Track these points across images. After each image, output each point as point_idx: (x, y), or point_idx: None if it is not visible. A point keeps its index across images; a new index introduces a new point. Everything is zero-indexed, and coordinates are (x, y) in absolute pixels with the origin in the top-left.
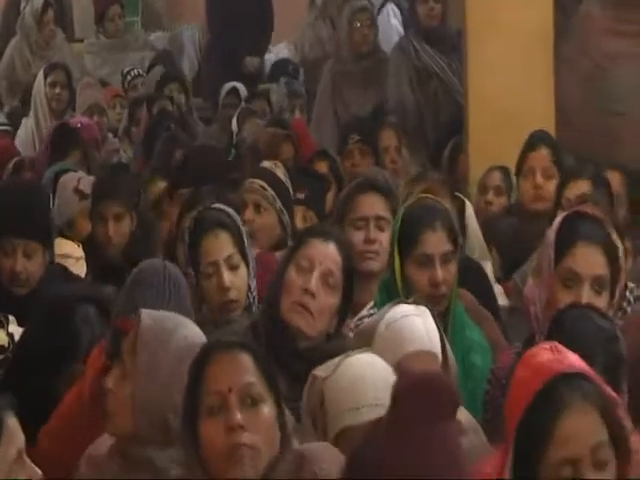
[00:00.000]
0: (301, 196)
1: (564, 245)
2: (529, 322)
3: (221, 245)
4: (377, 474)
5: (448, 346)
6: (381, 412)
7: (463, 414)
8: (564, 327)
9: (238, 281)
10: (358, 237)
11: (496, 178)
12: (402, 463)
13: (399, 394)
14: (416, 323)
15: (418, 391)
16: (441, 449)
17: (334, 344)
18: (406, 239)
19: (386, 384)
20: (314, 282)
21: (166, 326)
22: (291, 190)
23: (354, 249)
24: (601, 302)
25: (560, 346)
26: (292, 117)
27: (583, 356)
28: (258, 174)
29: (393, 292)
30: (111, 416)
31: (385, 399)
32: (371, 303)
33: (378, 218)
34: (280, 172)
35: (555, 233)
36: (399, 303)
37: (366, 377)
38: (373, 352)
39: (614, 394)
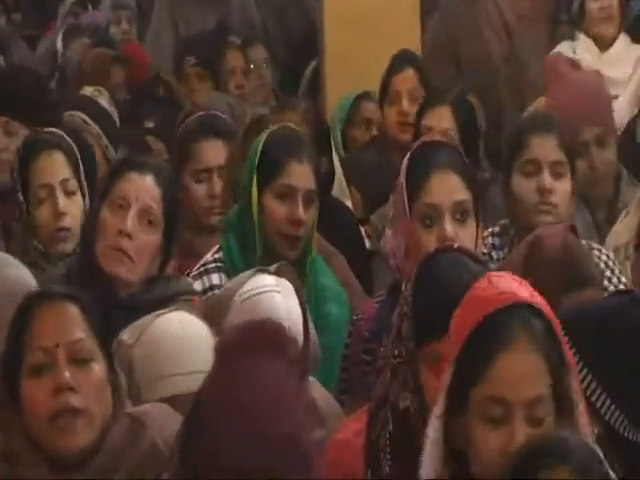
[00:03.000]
0: (150, 124)
1: (416, 181)
2: (391, 272)
3: (56, 167)
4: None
5: (311, 325)
6: (200, 380)
7: (320, 392)
8: (431, 277)
9: (74, 209)
10: (201, 191)
11: (366, 109)
12: (223, 398)
13: (225, 342)
14: (276, 300)
15: (247, 333)
16: (269, 386)
17: (159, 289)
18: (267, 168)
19: (203, 347)
20: (130, 221)
21: None
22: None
23: (198, 204)
24: (467, 233)
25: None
26: (119, 30)
27: (454, 307)
28: (79, 104)
29: (245, 229)
30: None
31: (203, 365)
32: (216, 247)
33: (221, 168)
34: (104, 100)
35: (405, 171)
36: (259, 272)
37: (178, 341)
38: (226, 328)
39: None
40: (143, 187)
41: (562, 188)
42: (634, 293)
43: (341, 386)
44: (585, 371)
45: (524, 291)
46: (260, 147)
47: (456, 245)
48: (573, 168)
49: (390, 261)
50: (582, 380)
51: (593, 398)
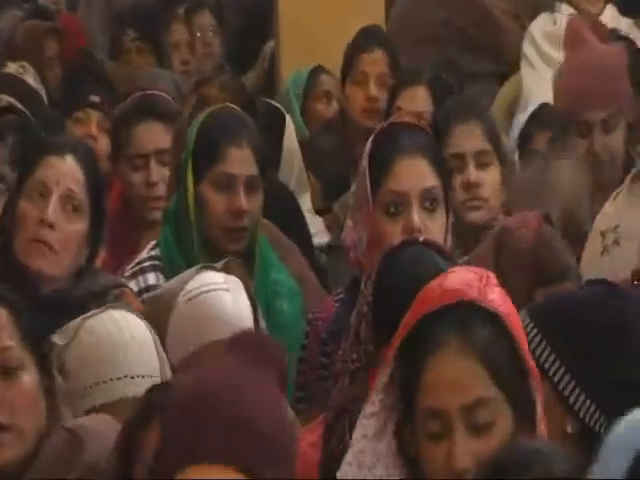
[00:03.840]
0: (95, 99)
1: (381, 165)
2: (351, 268)
3: None
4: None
5: (262, 325)
6: (139, 386)
7: None
8: (393, 274)
9: None
10: (137, 179)
11: (325, 82)
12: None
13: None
14: (224, 299)
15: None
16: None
17: (87, 284)
18: (203, 155)
19: (143, 348)
20: (52, 209)
21: None
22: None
23: (138, 193)
24: (436, 224)
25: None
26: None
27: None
28: (3, 85)
29: (182, 222)
30: None
31: (144, 367)
32: (153, 242)
33: (160, 152)
34: (30, 77)
35: (369, 154)
36: (205, 269)
37: (112, 343)
38: (169, 331)
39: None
40: (63, 170)
41: (490, 179)
42: (610, 284)
43: (297, 393)
44: (559, 366)
45: (473, 289)
46: (195, 131)
47: (422, 238)
48: (500, 154)
49: (350, 255)
50: (554, 374)
51: (566, 393)
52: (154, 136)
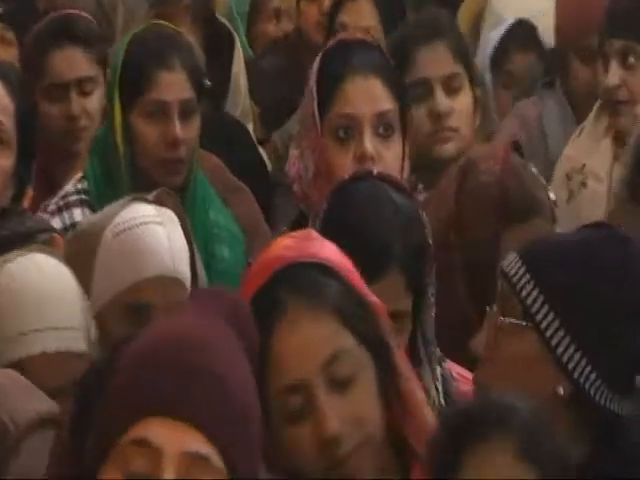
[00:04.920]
0: None
1: (329, 86)
2: (296, 202)
3: None
4: None
5: (200, 264)
6: (63, 339)
7: None
8: (344, 212)
9: None
10: (55, 111)
11: None
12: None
13: None
14: (157, 232)
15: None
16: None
17: (13, 226)
18: (130, 81)
19: (66, 297)
20: None
21: None
22: None
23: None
24: (391, 153)
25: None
26: None
27: (374, 248)
28: None
29: (111, 154)
30: None
31: (66, 320)
32: (79, 175)
33: (81, 81)
34: None
35: (316, 75)
36: (135, 200)
37: (34, 291)
38: (96, 269)
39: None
40: None
41: (460, 105)
42: (609, 228)
43: None
44: (552, 318)
45: (292, 250)
46: (122, 55)
47: (377, 171)
48: (472, 75)
49: (295, 188)
50: (547, 327)
51: (560, 350)
52: (73, 63)
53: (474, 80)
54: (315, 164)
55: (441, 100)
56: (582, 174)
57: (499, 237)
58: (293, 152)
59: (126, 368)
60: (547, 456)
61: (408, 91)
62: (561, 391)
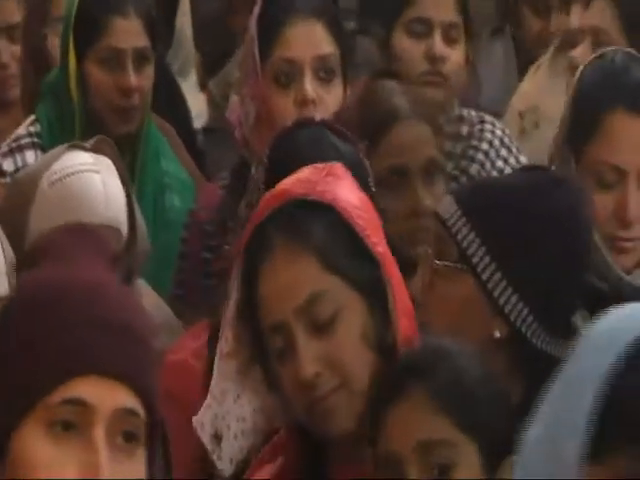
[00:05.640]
0: None
1: (270, 30)
2: (238, 149)
3: None
4: None
5: (138, 214)
6: None
7: (151, 299)
8: (287, 159)
9: None
10: None
11: None
12: None
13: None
14: (94, 181)
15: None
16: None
17: None
18: (85, 27)
19: None
20: None
21: None
22: None
23: None
24: (332, 96)
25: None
26: None
27: None
28: None
29: (64, 100)
30: None
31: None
32: (31, 117)
33: (9, 28)
34: None
35: (257, 19)
36: (72, 148)
37: None
38: (32, 216)
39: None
40: None
41: (455, 56)
42: (547, 171)
43: (176, 291)
44: (488, 261)
45: (302, 184)
46: (77, 1)
47: (320, 118)
48: (469, 31)
49: (236, 134)
50: (484, 270)
51: (496, 293)
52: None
53: (470, 35)
54: (256, 110)
55: (439, 44)
56: (535, 114)
57: (371, 152)
58: (233, 98)
59: (34, 325)
60: (480, 403)
61: (408, 26)
62: (497, 334)
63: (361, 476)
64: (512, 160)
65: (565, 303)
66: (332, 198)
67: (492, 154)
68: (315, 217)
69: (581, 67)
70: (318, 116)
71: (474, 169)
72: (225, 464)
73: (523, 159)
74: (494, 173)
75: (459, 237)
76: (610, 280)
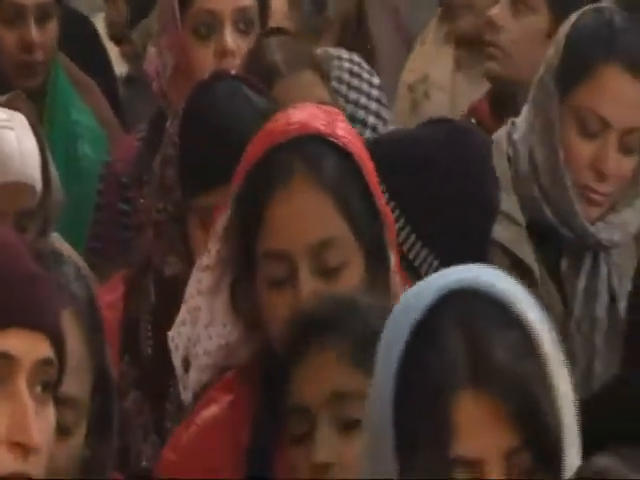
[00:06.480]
0: None
1: None
2: (155, 100)
3: None
4: None
5: (53, 169)
6: None
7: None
8: (203, 113)
9: None
10: None
11: None
12: None
13: None
14: (8, 137)
15: None
16: None
17: None
18: None
19: None
20: None
21: None
22: None
23: None
24: (247, 44)
25: None
26: None
27: (231, 146)
28: None
29: None
30: None
31: None
32: None
33: None
34: None
35: None
36: None
37: None
38: None
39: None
40: None
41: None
42: (452, 122)
43: (93, 244)
44: (397, 213)
45: (322, 122)
46: None
47: (235, 71)
48: None
49: (154, 85)
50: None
51: (406, 247)
52: None
53: None
54: (174, 61)
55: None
56: (425, 84)
57: None
58: (151, 49)
59: None
60: None
61: None
62: (407, 287)
63: None
64: (365, 86)
65: (474, 253)
66: (353, 148)
67: (343, 89)
68: (334, 159)
69: (575, 14)
70: (235, 69)
71: None
72: (188, 395)
73: (376, 81)
74: (350, 107)
75: None
76: (574, 229)
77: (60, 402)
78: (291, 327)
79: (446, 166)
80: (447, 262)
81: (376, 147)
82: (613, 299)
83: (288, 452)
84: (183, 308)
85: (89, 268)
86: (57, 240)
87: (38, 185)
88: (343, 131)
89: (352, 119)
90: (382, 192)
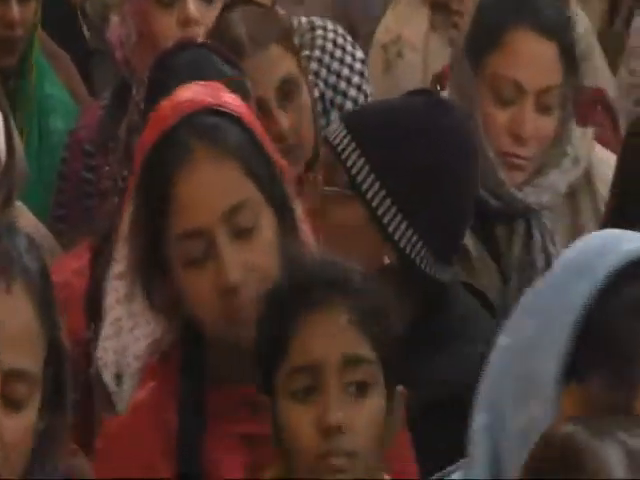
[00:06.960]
0: None
1: None
2: (118, 69)
3: None
4: None
5: (17, 141)
6: None
7: (29, 220)
8: (167, 80)
9: None
10: None
11: None
12: None
13: None
14: None
15: None
16: None
17: None
18: None
19: None
20: None
21: None
22: None
23: None
24: (212, 15)
25: None
26: None
27: None
28: None
29: None
30: None
31: None
32: None
33: None
34: None
35: None
36: None
37: None
38: None
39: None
40: None
41: None
42: (431, 94)
43: (57, 212)
44: (378, 188)
45: (206, 96)
46: None
47: (203, 40)
48: None
49: (117, 55)
50: (373, 199)
51: (386, 220)
52: None
53: None
54: (137, 30)
55: None
56: (398, 45)
57: None
58: (114, 19)
59: None
60: (379, 323)
61: None
62: (387, 260)
63: (238, 395)
64: (348, 58)
65: (453, 228)
66: (240, 111)
67: (326, 59)
68: (228, 126)
69: None
70: (199, 37)
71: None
72: (124, 404)
73: (359, 54)
74: (332, 78)
75: (349, 164)
76: (502, 197)
77: (12, 375)
78: (294, 282)
79: (427, 138)
80: (427, 236)
81: (356, 119)
82: (549, 264)
83: (287, 408)
84: (105, 322)
85: (54, 236)
86: (21, 210)
87: (2, 155)
88: (229, 98)
89: (334, 90)
90: (363, 165)
